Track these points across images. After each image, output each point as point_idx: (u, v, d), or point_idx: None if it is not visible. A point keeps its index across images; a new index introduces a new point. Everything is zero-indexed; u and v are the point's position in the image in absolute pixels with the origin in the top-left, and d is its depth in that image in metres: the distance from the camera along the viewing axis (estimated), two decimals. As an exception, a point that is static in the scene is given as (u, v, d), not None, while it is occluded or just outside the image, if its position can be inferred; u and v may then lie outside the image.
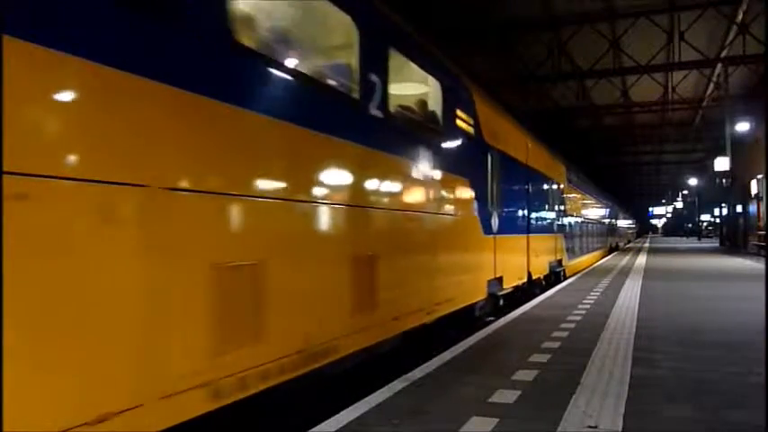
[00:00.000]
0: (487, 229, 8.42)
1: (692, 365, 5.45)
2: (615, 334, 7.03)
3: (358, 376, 5.03)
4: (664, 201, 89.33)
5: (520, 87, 23.45)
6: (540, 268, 12.58)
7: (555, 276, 14.71)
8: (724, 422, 3.91)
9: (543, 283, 13.07)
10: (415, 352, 5.99)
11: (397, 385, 4.79)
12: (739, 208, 33.76)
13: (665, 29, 19.06)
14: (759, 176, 27.33)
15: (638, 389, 4.62)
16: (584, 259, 20.43)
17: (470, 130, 7.77)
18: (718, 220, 48.76)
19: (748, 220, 31.64)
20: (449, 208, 6.88)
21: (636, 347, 6.21)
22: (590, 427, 3.75)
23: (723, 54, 20.56)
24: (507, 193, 9.83)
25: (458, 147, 7.30)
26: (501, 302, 9.25)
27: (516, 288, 10.33)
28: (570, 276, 15.97)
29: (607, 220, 33.18)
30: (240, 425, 3.56)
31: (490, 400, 4.37)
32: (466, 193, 7.56)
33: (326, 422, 3.88)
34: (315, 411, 4.11)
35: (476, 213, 7.93)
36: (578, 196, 20.64)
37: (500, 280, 9.12)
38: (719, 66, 21.21)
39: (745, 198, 31.21)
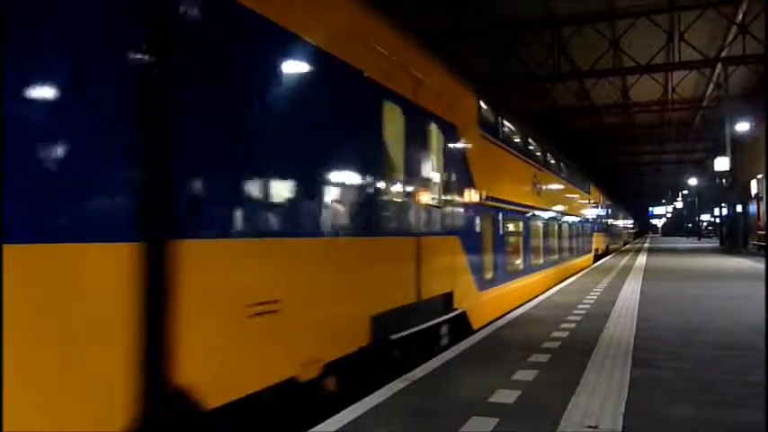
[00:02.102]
0: None
1: (692, 365, 5.45)
2: (615, 334, 7.02)
3: (358, 376, 5.01)
4: (664, 201, 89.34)
5: (520, 87, 23.44)
6: (314, 350, 4.36)
7: (428, 340, 6.41)
8: (724, 422, 3.91)
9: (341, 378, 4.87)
10: None
11: (397, 385, 4.79)
12: (739, 208, 33.78)
13: (665, 29, 19.06)
14: (759, 176, 27.35)
15: (638, 389, 4.62)
16: (532, 280, 12.30)
17: None
18: (718, 220, 48.76)
19: (748, 220, 31.66)
20: None
21: (636, 347, 6.21)
22: (590, 427, 3.74)
23: (723, 54, 20.56)
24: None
25: None
26: None
27: None
28: (493, 322, 8.23)
29: (592, 216, 25.14)
30: (241, 425, 3.55)
31: (490, 400, 4.37)
32: None
33: (326, 422, 3.88)
34: (315, 412, 4.11)
35: None
36: (518, 165, 11.78)
37: None
38: (719, 66, 21.19)
39: (745, 198, 31.23)
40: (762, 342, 5.80)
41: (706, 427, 3.84)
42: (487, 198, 8.98)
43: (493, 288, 9.19)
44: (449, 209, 7.29)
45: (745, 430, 3.76)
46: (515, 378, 4.99)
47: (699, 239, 54.78)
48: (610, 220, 34.77)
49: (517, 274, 11.24)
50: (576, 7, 17.47)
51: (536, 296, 11.32)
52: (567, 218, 17.89)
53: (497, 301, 9.35)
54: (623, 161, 51.41)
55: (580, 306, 9.62)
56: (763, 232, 26.60)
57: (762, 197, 27.45)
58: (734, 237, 35.24)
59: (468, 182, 8.07)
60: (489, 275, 9.10)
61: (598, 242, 26.58)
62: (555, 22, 18.67)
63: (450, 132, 7.48)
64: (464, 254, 7.74)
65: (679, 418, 3.98)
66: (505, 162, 10.79)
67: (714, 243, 45.22)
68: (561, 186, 17.51)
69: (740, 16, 17.94)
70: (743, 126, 24.12)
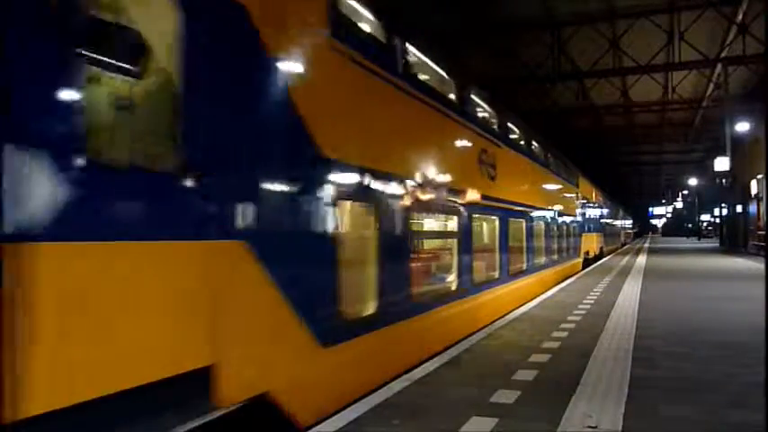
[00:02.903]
0: None
1: (692, 365, 5.44)
2: (615, 334, 7.02)
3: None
4: (664, 201, 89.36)
5: (520, 87, 23.46)
6: None
7: None
8: (723, 422, 3.91)
9: None
10: None
11: (397, 385, 4.79)
12: (739, 208, 33.76)
13: (666, 29, 19.09)
14: (759, 176, 27.33)
15: (638, 389, 4.62)
16: (472, 306, 8.06)
17: None
18: (718, 221, 48.76)
19: (748, 220, 31.65)
20: None
21: (636, 347, 6.20)
22: (590, 427, 3.74)
23: (723, 54, 20.58)
24: None
25: None
26: None
27: None
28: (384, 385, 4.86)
29: (581, 214, 21.25)
30: (241, 425, 3.55)
31: (490, 400, 4.36)
32: None
33: (326, 422, 3.88)
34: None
35: None
36: (442, 129, 7.49)
37: None
38: (719, 66, 21.22)
39: (745, 198, 31.21)
40: (761, 342, 5.79)
41: (706, 427, 3.84)
42: (364, 170, 5.16)
43: (374, 332, 5.15)
44: (209, 180, 3.26)
45: (746, 430, 3.76)
46: (515, 378, 4.95)
47: (699, 239, 54.77)
48: (605, 220, 30.80)
49: (442, 298, 7.17)
50: (576, 7, 17.52)
51: (482, 326, 7.70)
52: (540, 214, 13.66)
53: (385, 354, 5.38)
54: (623, 161, 51.43)
55: (581, 306, 9.59)
56: (763, 232, 26.59)
57: (762, 197, 27.42)
58: (734, 237, 35.21)
59: (296, 132, 4.21)
60: (367, 311, 5.22)
61: (588, 244, 22.54)
62: (555, 22, 18.71)
63: (221, 16, 3.50)
64: (271, 277, 3.76)
65: (679, 418, 3.97)
66: (411, 117, 6.45)
67: (714, 243, 45.19)
68: (532, 173, 13.16)
69: (740, 16, 17.97)
70: (743, 126, 24.14)
